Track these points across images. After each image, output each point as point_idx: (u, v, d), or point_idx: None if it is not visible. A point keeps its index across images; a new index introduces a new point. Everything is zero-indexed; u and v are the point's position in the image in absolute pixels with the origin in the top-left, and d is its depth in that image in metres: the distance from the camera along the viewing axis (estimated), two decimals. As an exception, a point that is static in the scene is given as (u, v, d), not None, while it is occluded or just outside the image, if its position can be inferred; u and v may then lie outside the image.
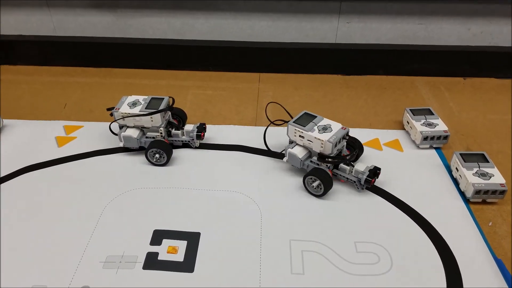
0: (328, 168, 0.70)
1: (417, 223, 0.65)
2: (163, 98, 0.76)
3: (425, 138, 0.79)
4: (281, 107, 0.84)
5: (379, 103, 0.96)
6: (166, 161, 0.76)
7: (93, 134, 0.85)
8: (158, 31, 1.08)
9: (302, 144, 0.72)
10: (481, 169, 0.70)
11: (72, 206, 0.68)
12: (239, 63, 1.08)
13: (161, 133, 0.77)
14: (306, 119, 0.72)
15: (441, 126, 0.80)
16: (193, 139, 0.79)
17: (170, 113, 0.79)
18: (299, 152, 0.71)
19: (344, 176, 0.71)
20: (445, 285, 0.56)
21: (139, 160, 0.78)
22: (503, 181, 0.68)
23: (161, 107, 0.75)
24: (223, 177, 0.74)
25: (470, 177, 0.69)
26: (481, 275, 0.57)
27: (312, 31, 1.05)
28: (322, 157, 0.69)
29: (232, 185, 0.72)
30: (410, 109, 0.84)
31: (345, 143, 0.72)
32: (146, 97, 0.77)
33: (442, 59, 1.04)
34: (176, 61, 1.08)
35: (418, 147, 0.81)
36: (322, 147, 0.68)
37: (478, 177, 0.69)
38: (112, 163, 0.77)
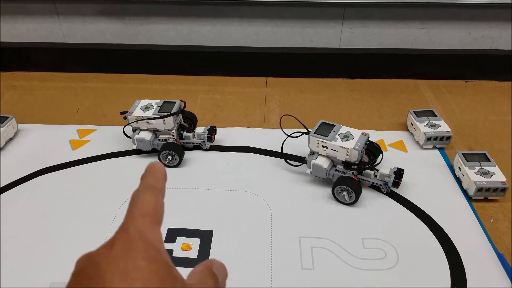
0: (354, 174, 0.70)
1: (421, 220, 0.67)
2: (175, 102, 0.78)
3: (429, 139, 0.81)
4: (295, 119, 0.80)
5: (384, 106, 0.98)
6: (178, 163, 0.78)
7: (106, 137, 0.87)
8: (166, 38, 1.10)
9: (325, 154, 0.70)
10: (482, 167, 0.72)
11: (88, 206, 0.70)
12: (246, 68, 1.10)
13: (173, 135, 0.79)
14: (325, 129, 0.70)
15: (443, 127, 0.82)
16: (204, 141, 0.81)
17: (181, 116, 0.81)
18: (323, 162, 0.70)
19: (369, 181, 0.71)
20: (449, 278, 0.58)
21: (151, 161, 0.79)
22: (504, 179, 0.70)
23: (173, 110, 0.77)
24: (233, 177, 0.76)
25: (472, 176, 0.71)
26: (483, 269, 0.59)
27: (316, 37, 1.07)
28: (347, 164, 0.69)
29: (242, 185, 0.74)
30: (414, 111, 0.87)
31: (365, 149, 0.71)
32: (158, 101, 0.79)
33: (444, 62, 1.06)
34: (185, 66, 1.11)
35: (421, 147, 0.83)
36: (347, 155, 0.67)
37: (480, 175, 0.71)
38: (125, 165, 0.80)
